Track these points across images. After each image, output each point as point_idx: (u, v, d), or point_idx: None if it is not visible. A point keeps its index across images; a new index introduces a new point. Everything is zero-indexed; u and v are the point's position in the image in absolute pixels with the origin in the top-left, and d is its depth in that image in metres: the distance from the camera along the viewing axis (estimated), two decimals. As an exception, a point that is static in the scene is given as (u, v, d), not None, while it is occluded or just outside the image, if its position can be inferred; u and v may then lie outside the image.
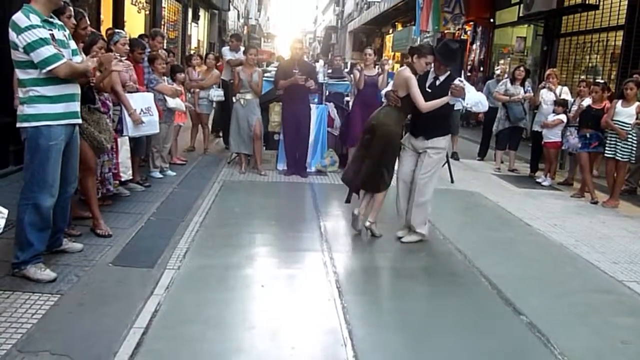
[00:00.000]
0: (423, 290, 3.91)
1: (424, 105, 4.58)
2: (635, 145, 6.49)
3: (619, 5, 9.76)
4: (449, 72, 4.69)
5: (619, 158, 6.51)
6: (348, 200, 5.11)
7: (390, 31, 25.65)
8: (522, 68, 8.81)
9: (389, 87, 4.96)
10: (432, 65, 4.68)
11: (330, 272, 4.01)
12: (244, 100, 7.07)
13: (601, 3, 10.08)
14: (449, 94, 4.54)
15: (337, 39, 40.22)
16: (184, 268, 3.90)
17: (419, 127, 4.79)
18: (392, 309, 3.56)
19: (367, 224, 4.86)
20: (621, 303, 3.87)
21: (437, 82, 4.69)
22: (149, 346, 2.84)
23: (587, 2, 10.15)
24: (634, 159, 6.66)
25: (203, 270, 3.92)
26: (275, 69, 8.21)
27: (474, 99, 4.62)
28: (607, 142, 6.62)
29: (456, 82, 4.57)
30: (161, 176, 6.55)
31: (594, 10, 10.27)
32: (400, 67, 10.09)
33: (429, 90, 4.66)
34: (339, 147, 7.92)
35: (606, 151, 6.65)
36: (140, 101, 5.45)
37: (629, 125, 6.42)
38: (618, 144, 6.48)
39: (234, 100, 7.19)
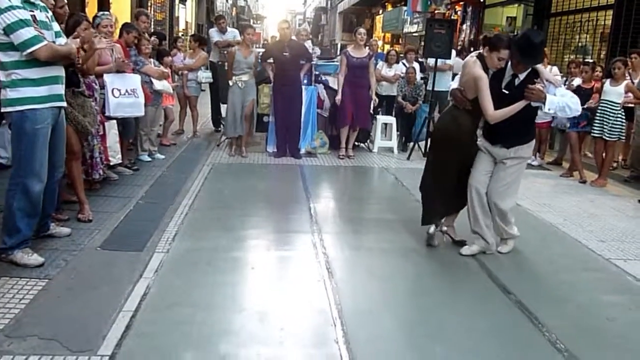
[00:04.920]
0: (413, 270, 3.92)
1: (494, 114, 3.76)
2: (623, 124, 6.52)
3: (609, -16, 9.71)
4: (530, 69, 3.81)
5: (607, 138, 6.53)
6: (423, 223, 4.33)
7: (380, 12, 25.44)
8: None
9: (455, 84, 4.19)
10: (509, 61, 3.81)
11: (320, 254, 4.02)
12: (241, 82, 6.97)
13: (591, -18, 10.03)
14: (524, 97, 3.75)
15: (327, 20, 39.88)
16: (173, 251, 3.89)
17: (495, 133, 3.91)
18: (382, 289, 3.57)
19: (445, 228, 4.30)
20: (608, 280, 3.90)
21: (517, 82, 3.82)
22: (138, 329, 2.84)
23: (577, -20, 10.10)
24: (624, 138, 6.70)
25: (192, 253, 3.91)
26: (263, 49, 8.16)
27: (558, 103, 3.71)
28: (595, 121, 6.64)
29: (538, 85, 3.74)
30: (150, 159, 6.51)
31: (585, -11, 10.23)
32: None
33: (506, 92, 3.82)
34: (329, 128, 7.89)
35: (594, 130, 6.67)
36: (124, 82, 5.38)
37: (618, 105, 6.44)
38: (605, 123, 6.50)
39: (230, 83, 7.04)
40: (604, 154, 6.72)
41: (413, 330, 3.07)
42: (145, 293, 3.23)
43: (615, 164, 7.45)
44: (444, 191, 4.15)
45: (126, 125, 5.70)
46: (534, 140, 4.18)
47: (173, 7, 16.35)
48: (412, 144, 7.97)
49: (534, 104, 3.80)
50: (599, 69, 7.08)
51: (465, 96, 3.92)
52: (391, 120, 8.20)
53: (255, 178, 6.29)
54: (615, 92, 6.47)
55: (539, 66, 3.87)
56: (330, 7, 38.71)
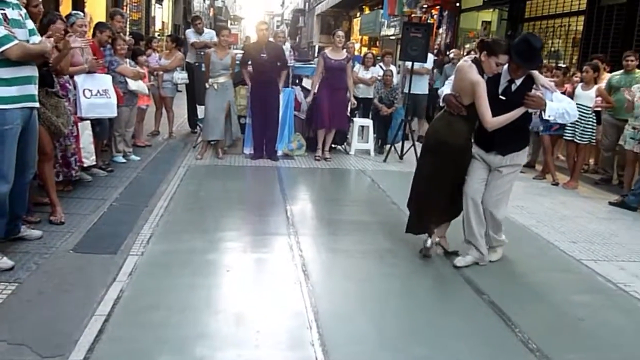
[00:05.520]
0: (388, 271, 3.94)
1: (492, 121, 3.65)
2: (594, 128, 6.66)
3: (581, -9, 9.93)
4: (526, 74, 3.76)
5: (578, 141, 6.67)
6: (412, 232, 4.26)
7: (358, 14, 25.58)
8: (472, 52, 8.99)
9: (447, 88, 4.00)
10: (507, 66, 3.73)
11: (297, 256, 4.01)
12: (218, 84, 6.89)
13: (563, -12, 10.24)
14: (524, 104, 3.69)
15: (305, 22, 39.92)
16: (147, 254, 3.85)
17: (490, 140, 3.82)
18: (359, 290, 3.59)
19: (437, 239, 4.17)
20: (579, 281, 3.98)
21: (513, 87, 3.75)
22: (111, 333, 2.80)
23: (549, -14, 10.30)
24: (594, 141, 6.84)
25: (167, 255, 3.88)
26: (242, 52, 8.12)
27: (557, 110, 3.66)
28: (567, 125, 6.76)
29: (535, 91, 3.71)
30: (124, 161, 6.43)
31: (557, -5, 10.44)
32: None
33: (503, 98, 3.74)
34: (306, 130, 7.90)
35: (566, 134, 6.79)
36: (96, 83, 5.31)
37: (589, 108, 6.58)
38: (577, 127, 6.63)
39: (206, 85, 6.95)
40: (575, 157, 6.85)
41: (388, 331, 3.08)
42: (119, 296, 3.19)
43: (586, 167, 7.60)
44: (439, 199, 4.02)
45: (100, 126, 5.62)
46: (527, 147, 4.13)
47: (149, 7, 16.18)
48: (388, 146, 8.02)
49: (531, 111, 3.78)
50: (579, 73, 7.20)
51: (461, 102, 3.79)
52: (368, 122, 8.24)
53: (232, 180, 6.26)
54: (586, 96, 6.60)
55: (534, 72, 3.80)
56: (308, 9, 38.76)
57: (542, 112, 3.71)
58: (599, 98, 6.62)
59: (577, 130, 6.64)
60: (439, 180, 3.97)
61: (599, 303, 3.61)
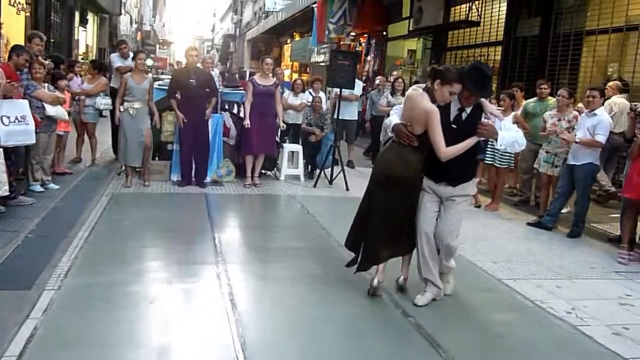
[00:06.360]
0: (317, 297, 3.93)
1: (447, 151, 3.56)
2: (512, 152, 7.00)
3: (497, 23, 10.55)
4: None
5: (498, 165, 6.99)
6: (363, 269, 4.00)
7: (289, 41, 25.92)
8: (400, 79, 9.38)
9: (395, 118, 3.85)
10: (458, 94, 3.65)
11: (224, 285, 3.94)
12: (133, 109, 6.72)
13: (482, 20, 10.84)
14: (476, 134, 3.64)
15: (236, 48, 40.00)
16: (65, 288, 3.65)
17: (439, 171, 3.72)
18: (287, 317, 3.55)
19: (402, 280, 4.02)
20: (500, 300, 4.14)
21: (464, 116, 3.71)
22: (21, 375, 2.63)
23: (469, 19, 10.88)
24: (513, 165, 7.19)
25: (86, 289, 3.69)
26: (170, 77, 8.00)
27: (508, 139, 3.68)
28: (487, 149, 7.08)
29: (484, 119, 3.69)
30: (42, 190, 6.10)
31: (476, 27, 11.04)
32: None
33: (454, 127, 3.67)
34: (235, 156, 7.84)
35: (486, 158, 7.11)
36: (14, 109, 5.07)
37: (506, 134, 6.91)
38: (496, 151, 6.95)
39: (120, 109, 6.77)
40: (496, 180, 7.17)
41: (315, 357, 3.06)
42: (32, 335, 3.00)
43: (509, 189, 7.96)
44: (390, 234, 3.84)
45: (15, 154, 5.34)
46: (475, 178, 4.09)
47: (72, 30, 15.69)
48: (318, 171, 8.09)
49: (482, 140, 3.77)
50: (495, 101, 7.55)
51: (412, 132, 3.66)
52: (298, 148, 8.29)
53: (158, 208, 6.09)
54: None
55: (483, 99, 3.79)
56: (239, 35, 38.92)
57: (494, 141, 3.75)
58: (515, 125, 6.96)
59: (496, 154, 6.96)
60: (391, 213, 3.80)
61: (517, 320, 3.76)
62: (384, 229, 3.82)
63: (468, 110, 3.71)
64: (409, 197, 3.83)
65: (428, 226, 3.80)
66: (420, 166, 3.74)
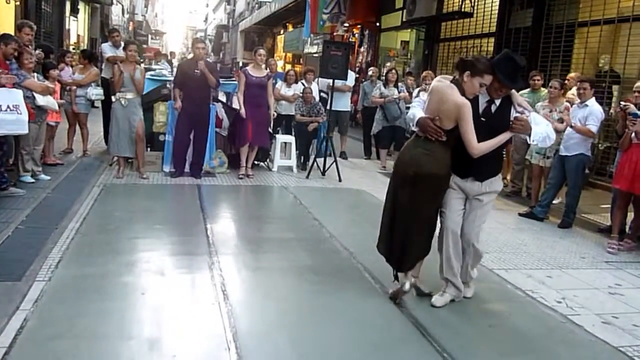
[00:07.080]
0: (309, 288, 3.94)
1: (479, 147, 3.36)
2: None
3: (490, 14, 10.54)
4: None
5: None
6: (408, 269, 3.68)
7: (282, 32, 25.79)
8: (393, 71, 9.35)
9: (418, 111, 3.58)
10: (488, 86, 3.45)
11: (216, 276, 3.93)
12: (125, 99, 6.67)
13: (475, 11, 10.82)
14: (510, 129, 3.47)
15: (229, 38, 39.77)
16: (55, 279, 3.64)
17: (466, 167, 3.52)
18: (278, 308, 3.56)
19: (413, 280, 3.71)
20: (491, 290, 4.15)
21: (493, 108, 3.53)
22: (11, 367, 2.62)
23: (462, 10, 10.85)
24: (504, 155, 7.20)
25: (77, 280, 3.68)
26: (162, 67, 7.95)
27: (541, 133, 3.49)
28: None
29: (518, 114, 3.49)
30: (33, 181, 6.06)
31: (469, 18, 11.01)
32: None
33: (483, 120, 3.47)
34: (228, 147, 7.81)
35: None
36: (6, 97, 5.02)
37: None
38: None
39: (113, 99, 6.75)
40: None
41: (306, 348, 3.07)
42: (22, 326, 2.99)
43: (505, 182, 7.98)
44: (422, 233, 3.61)
45: (5, 144, 5.30)
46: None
47: (63, 20, 15.53)
48: (311, 162, 8.08)
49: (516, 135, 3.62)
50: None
51: (440, 126, 3.42)
52: (290, 139, 8.27)
53: (150, 199, 6.07)
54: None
55: (512, 91, 3.59)
56: (232, 25, 38.68)
57: (527, 137, 3.57)
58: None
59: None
60: (420, 213, 3.55)
61: (508, 310, 3.78)
62: (413, 230, 3.58)
63: (497, 102, 3.52)
64: (437, 196, 3.59)
65: (455, 225, 3.60)
66: (449, 160, 3.50)
